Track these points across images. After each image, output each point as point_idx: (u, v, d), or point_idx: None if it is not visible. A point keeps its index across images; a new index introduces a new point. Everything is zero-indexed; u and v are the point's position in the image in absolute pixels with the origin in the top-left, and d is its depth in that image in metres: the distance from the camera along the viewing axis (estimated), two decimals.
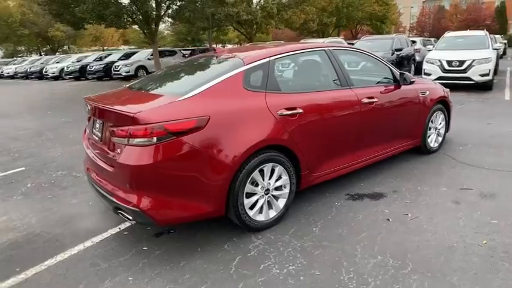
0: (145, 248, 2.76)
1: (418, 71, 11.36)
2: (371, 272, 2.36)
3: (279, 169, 2.89)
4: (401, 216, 3.07)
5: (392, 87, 3.90)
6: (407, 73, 4.03)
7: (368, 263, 2.46)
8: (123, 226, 3.13)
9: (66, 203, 3.67)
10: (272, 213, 2.95)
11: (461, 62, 9.31)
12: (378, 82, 3.94)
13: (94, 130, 2.95)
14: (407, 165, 4.27)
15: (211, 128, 2.49)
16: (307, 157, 3.05)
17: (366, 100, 3.50)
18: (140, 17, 18.71)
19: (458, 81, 9.33)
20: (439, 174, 3.98)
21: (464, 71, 9.29)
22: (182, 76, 3.40)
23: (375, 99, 3.60)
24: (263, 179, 2.82)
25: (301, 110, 2.97)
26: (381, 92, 3.72)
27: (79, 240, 2.92)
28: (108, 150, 2.65)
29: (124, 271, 2.48)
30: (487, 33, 10.78)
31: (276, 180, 2.91)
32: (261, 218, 2.86)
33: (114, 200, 2.51)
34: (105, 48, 50.01)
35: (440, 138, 4.74)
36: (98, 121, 2.88)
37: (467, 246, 2.61)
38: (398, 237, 2.76)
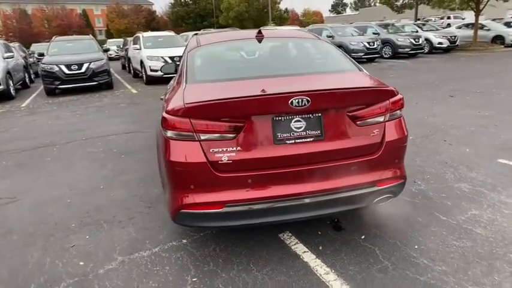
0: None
1: None
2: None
3: None
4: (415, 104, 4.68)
5: None
6: None
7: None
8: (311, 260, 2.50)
9: None
10: None
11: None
12: None
13: (285, 135, 2.10)
14: None
15: None
16: None
17: None
18: None
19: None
20: None
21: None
22: (292, 58, 3.08)
23: None
24: None
25: None
26: None
27: None
28: (346, 141, 2.20)
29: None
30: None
31: None
32: None
33: (377, 188, 2.27)
34: None
35: None
36: (299, 117, 2.11)
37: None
38: (439, 108, 4.35)
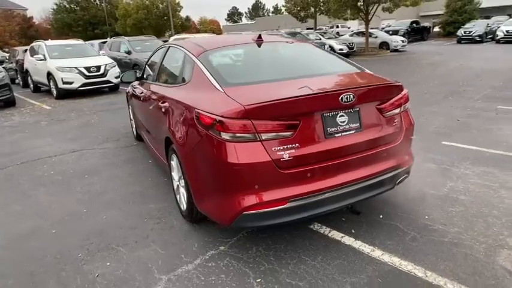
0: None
1: None
2: None
3: None
4: None
5: None
6: None
7: None
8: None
9: None
10: None
11: None
12: None
13: (333, 129, 2.29)
14: None
15: None
16: None
17: None
18: None
19: None
20: None
21: None
22: (302, 60, 3.25)
23: None
24: None
25: None
26: None
27: None
28: (378, 131, 2.49)
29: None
30: None
31: None
32: None
33: (399, 171, 2.62)
34: None
35: None
36: (343, 112, 2.32)
37: None
38: None
